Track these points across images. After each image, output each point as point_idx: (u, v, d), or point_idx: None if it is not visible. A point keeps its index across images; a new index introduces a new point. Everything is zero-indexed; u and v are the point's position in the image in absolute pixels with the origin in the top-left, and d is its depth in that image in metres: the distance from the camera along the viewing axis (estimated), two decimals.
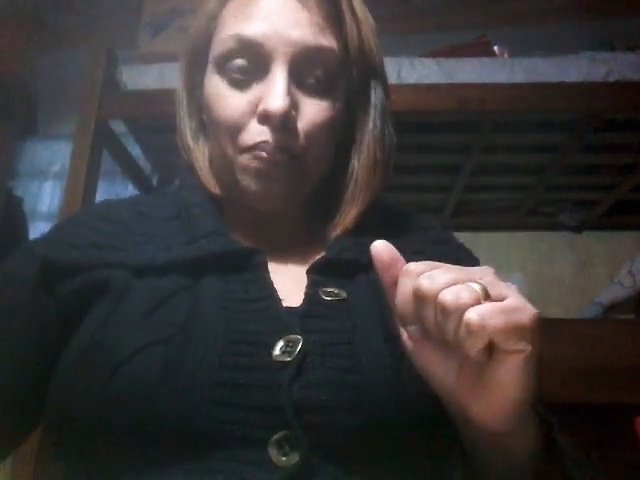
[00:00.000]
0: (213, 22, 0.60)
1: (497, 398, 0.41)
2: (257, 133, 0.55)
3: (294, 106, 0.55)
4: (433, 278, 0.39)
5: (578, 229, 2.28)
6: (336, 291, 0.54)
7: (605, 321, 1.79)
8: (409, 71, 1.62)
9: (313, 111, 0.56)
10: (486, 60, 1.69)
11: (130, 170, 2.01)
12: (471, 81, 1.61)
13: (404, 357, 0.46)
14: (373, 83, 0.61)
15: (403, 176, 1.96)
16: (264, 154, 0.54)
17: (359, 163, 0.60)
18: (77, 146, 1.65)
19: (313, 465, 0.44)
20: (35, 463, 1.34)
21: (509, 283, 0.41)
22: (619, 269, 1.90)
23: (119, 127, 1.83)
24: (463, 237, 0.69)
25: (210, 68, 0.59)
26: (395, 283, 0.42)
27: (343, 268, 0.57)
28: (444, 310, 0.38)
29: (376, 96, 0.61)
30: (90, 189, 1.64)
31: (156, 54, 1.87)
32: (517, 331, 0.38)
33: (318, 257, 0.58)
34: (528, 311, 0.39)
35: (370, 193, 0.60)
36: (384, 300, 0.45)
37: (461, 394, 0.42)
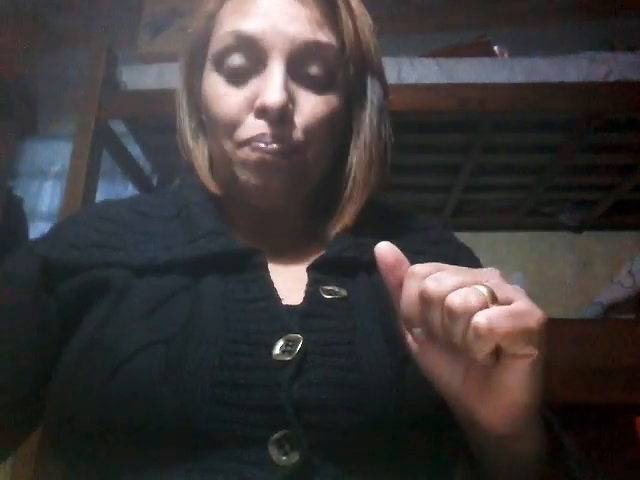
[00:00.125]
0: (211, 21, 0.60)
1: (504, 401, 0.41)
2: (254, 127, 0.55)
3: (291, 100, 0.55)
4: (440, 280, 0.39)
5: (578, 229, 2.28)
6: (336, 289, 0.54)
7: (605, 321, 1.79)
8: (409, 71, 1.62)
9: (311, 106, 0.56)
10: (486, 60, 1.69)
11: (130, 170, 2.01)
12: (471, 81, 1.61)
13: (408, 358, 0.45)
14: (370, 79, 0.61)
15: (403, 176, 1.96)
16: (262, 145, 0.54)
17: (357, 160, 0.60)
18: (77, 146, 1.65)
19: (313, 464, 0.44)
20: (35, 463, 1.34)
21: (515, 285, 0.41)
22: (619, 269, 1.91)
23: (119, 127, 1.83)
24: (463, 237, 0.69)
25: (208, 66, 0.59)
26: (400, 285, 0.42)
27: (343, 267, 0.57)
28: (451, 313, 0.37)
29: (373, 92, 0.61)
30: (90, 189, 1.64)
31: (156, 54, 1.87)
32: (525, 335, 0.37)
33: (318, 256, 0.58)
34: (536, 315, 0.38)
35: (367, 190, 0.60)
36: (385, 299, 0.45)
37: (467, 397, 0.42)
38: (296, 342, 0.48)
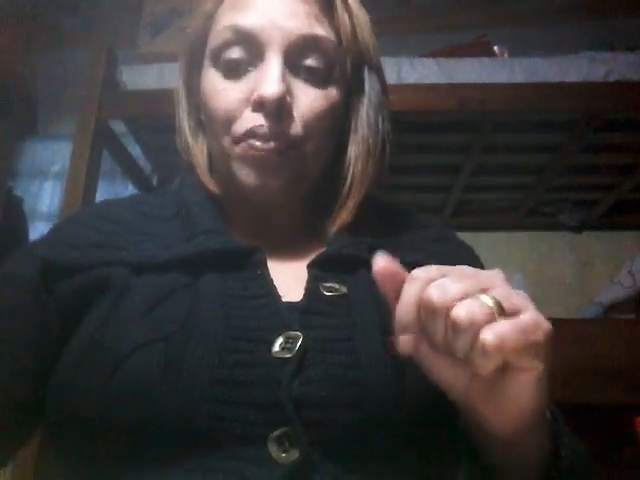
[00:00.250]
0: (210, 20, 0.60)
1: (509, 408, 0.40)
2: (251, 119, 0.55)
3: (289, 94, 0.55)
4: (444, 288, 0.38)
5: (578, 229, 2.28)
6: (336, 286, 0.54)
7: (605, 321, 1.79)
8: (409, 71, 1.62)
9: (310, 99, 0.56)
10: (486, 60, 1.69)
11: (130, 170, 2.01)
12: (471, 81, 1.61)
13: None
14: (367, 74, 0.61)
15: (403, 176, 1.96)
16: (258, 144, 0.54)
17: (355, 155, 0.60)
18: (77, 146, 1.66)
19: (313, 462, 0.44)
20: (35, 463, 1.34)
21: (520, 291, 0.40)
22: (619, 269, 1.91)
23: (119, 127, 1.83)
24: (463, 237, 0.69)
25: (206, 62, 0.59)
26: (397, 295, 0.40)
27: (344, 263, 0.56)
28: (456, 327, 0.36)
29: (371, 87, 0.61)
30: (90, 189, 1.64)
31: (156, 54, 1.87)
32: (532, 350, 0.37)
33: (318, 253, 0.58)
34: (543, 327, 0.38)
35: (365, 185, 0.60)
36: (385, 296, 0.44)
37: (472, 401, 0.42)
38: (296, 339, 0.47)
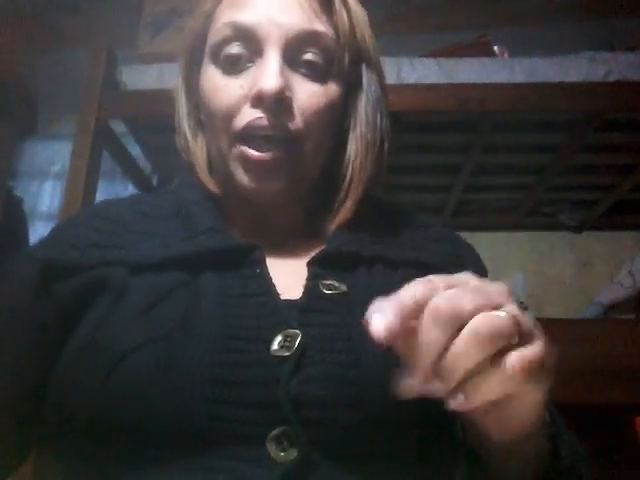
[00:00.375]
0: (209, 19, 0.60)
1: (509, 422, 0.40)
2: (250, 114, 0.55)
3: (288, 88, 0.55)
4: (457, 302, 0.35)
5: (578, 229, 2.29)
6: (336, 284, 0.54)
7: (605, 321, 1.79)
8: (409, 71, 1.63)
9: (309, 94, 0.56)
10: (486, 60, 1.69)
11: (130, 170, 2.01)
12: (471, 81, 1.61)
13: None
14: (365, 71, 0.61)
15: (403, 176, 1.96)
16: (252, 151, 0.54)
17: (354, 152, 0.60)
18: (77, 146, 1.65)
19: (312, 461, 0.44)
20: (35, 463, 1.34)
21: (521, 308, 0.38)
22: (619, 269, 1.91)
23: (119, 127, 1.83)
24: (463, 237, 0.69)
25: (206, 60, 0.59)
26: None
27: (344, 261, 0.56)
28: (470, 342, 0.34)
29: (369, 84, 0.61)
30: (90, 189, 1.64)
31: (156, 54, 1.87)
32: (545, 374, 0.37)
33: (318, 250, 0.57)
34: (550, 351, 0.37)
35: (364, 181, 0.60)
36: (385, 294, 0.44)
37: (470, 414, 0.41)
38: (295, 337, 0.47)
